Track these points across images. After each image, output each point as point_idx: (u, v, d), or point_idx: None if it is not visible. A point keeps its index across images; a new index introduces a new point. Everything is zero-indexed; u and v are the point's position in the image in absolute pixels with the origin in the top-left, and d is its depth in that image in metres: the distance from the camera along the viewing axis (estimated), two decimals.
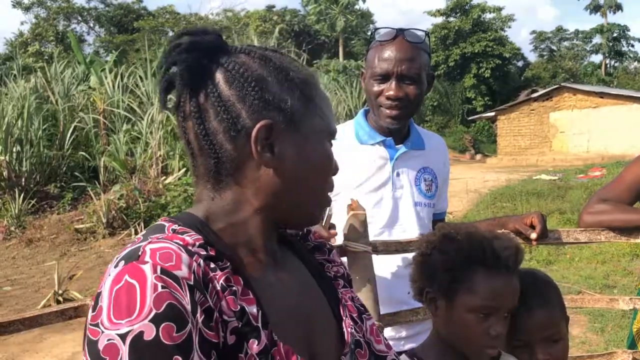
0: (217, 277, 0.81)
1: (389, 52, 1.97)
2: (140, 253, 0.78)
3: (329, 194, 0.98)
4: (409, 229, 2.09)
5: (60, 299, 6.67)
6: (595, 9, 49.04)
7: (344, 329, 1.01)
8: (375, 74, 1.99)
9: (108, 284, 0.76)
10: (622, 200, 2.23)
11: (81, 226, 9.62)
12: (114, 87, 13.45)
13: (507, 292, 1.33)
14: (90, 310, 0.77)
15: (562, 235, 2.20)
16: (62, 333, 5.70)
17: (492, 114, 29.57)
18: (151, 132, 11.55)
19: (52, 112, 12.70)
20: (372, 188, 2.07)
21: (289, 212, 0.94)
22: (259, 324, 0.83)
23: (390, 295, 1.98)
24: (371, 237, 1.92)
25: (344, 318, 1.02)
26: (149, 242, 0.80)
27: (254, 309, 0.83)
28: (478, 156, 29.65)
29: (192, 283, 0.77)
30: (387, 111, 1.99)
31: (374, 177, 2.08)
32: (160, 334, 0.72)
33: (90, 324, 0.75)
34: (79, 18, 41.84)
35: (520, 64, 47.11)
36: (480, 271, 1.32)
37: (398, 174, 2.10)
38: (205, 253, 0.82)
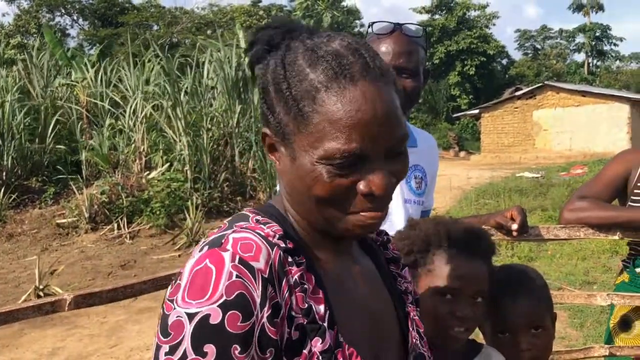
0: (293, 272, 0.83)
1: (387, 46, 1.96)
2: (223, 240, 0.81)
3: (343, 213, 0.87)
4: (398, 226, 2.09)
5: (41, 294, 6.61)
6: (578, 8, 49.54)
7: (409, 340, 1.01)
8: None
9: (190, 265, 0.80)
10: (601, 197, 2.26)
11: (63, 221, 9.53)
12: (96, 80, 13.31)
13: (469, 275, 1.36)
14: (170, 286, 0.81)
15: (542, 232, 2.23)
16: (43, 328, 5.64)
17: (477, 111, 29.77)
18: (134, 126, 11.47)
19: (34, 105, 12.55)
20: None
21: (312, 220, 0.91)
22: (325, 324, 0.84)
23: None
24: None
25: (410, 330, 1.03)
26: (233, 231, 0.83)
27: (321, 308, 0.84)
28: (462, 153, 29.87)
29: (266, 276, 0.79)
30: None
31: None
32: (226, 321, 0.75)
33: (168, 299, 0.79)
34: (62, 10, 41.31)
35: (504, 61, 47.47)
36: (439, 253, 1.36)
37: None
38: (284, 245, 0.84)
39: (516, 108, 26.71)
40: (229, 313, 0.75)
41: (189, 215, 9.12)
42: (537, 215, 9.68)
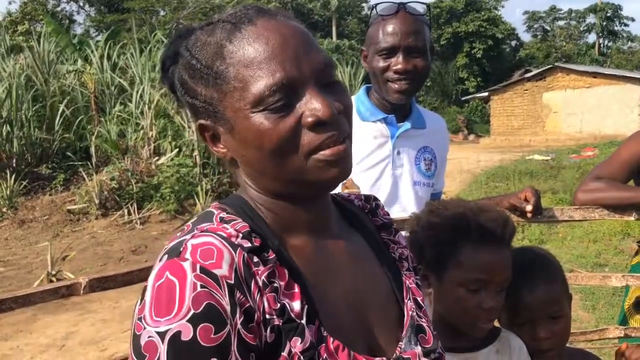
0: (260, 272, 0.78)
1: (393, 26, 1.94)
2: (181, 249, 0.76)
3: (303, 159, 0.83)
4: (408, 207, 2.08)
5: (54, 279, 6.67)
6: None
7: (405, 312, 0.96)
8: (380, 49, 1.96)
9: (152, 279, 0.76)
10: (616, 178, 2.23)
11: (74, 207, 9.58)
12: (103, 66, 13.30)
13: (496, 265, 1.32)
14: (137, 303, 0.76)
15: (557, 214, 2.20)
16: (56, 314, 5.70)
17: (486, 94, 29.54)
18: (142, 113, 11.47)
19: (42, 92, 12.57)
20: (371, 165, 2.06)
21: (279, 188, 0.86)
22: (303, 321, 0.79)
23: None
24: None
25: (406, 300, 0.98)
26: (192, 236, 0.78)
27: (297, 305, 0.80)
28: (471, 136, 29.69)
29: (232, 282, 0.75)
30: (396, 85, 1.97)
31: (374, 154, 2.07)
32: (198, 335, 0.71)
33: (137, 318, 0.75)
34: None
35: (513, 43, 46.97)
36: (466, 245, 1.32)
37: (399, 152, 2.09)
38: (249, 245, 0.79)
39: (526, 90, 26.46)
40: (200, 327, 0.71)
41: (199, 200, 9.14)
42: (548, 198, 9.62)
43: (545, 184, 11.46)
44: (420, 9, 2.04)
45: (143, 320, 0.73)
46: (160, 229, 9.00)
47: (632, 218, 2.17)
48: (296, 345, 0.77)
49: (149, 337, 0.72)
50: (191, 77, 0.85)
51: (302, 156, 0.81)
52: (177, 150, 11.02)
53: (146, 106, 11.39)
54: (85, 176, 10.00)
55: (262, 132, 0.80)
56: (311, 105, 0.80)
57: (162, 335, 0.71)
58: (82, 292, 1.36)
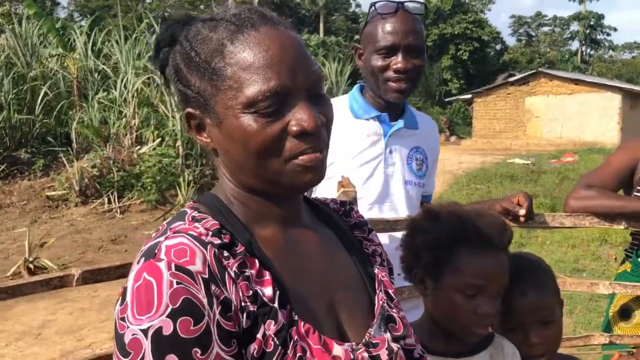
0: (231, 264, 0.83)
1: (393, 25, 1.93)
2: (156, 250, 0.81)
3: (283, 162, 0.87)
4: (399, 206, 2.08)
5: (31, 266, 6.57)
6: None
7: (376, 302, 1.00)
8: (380, 47, 1.95)
9: (131, 281, 0.80)
10: (607, 186, 2.25)
11: (53, 193, 9.44)
12: (87, 52, 13.11)
13: (493, 271, 1.32)
14: (118, 304, 0.80)
15: (548, 219, 2.22)
16: (33, 301, 5.61)
17: (469, 96, 29.78)
18: (125, 100, 11.34)
19: (23, 75, 12.33)
20: (363, 162, 2.05)
21: (256, 184, 0.91)
22: (276, 304, 0.84)
23: None
24: (361, 212, 1.90)
25: (377, 292, 1.02)
26: (166, 238, 0.83)
27: (269, 291, 0.84)
28: (453, 138, 29.90)
29: (206, 277, 0.79)
30: (395, 85, 1.96)
31: (367, 152, 2.06)
32: (178, 329, 0.75)
33: (119, 318, 0.78)
34: None
35: (498, 47, 47.42)
36: (464, 250, 1.31)
37: (391, 151, 2.08)
38: (219, 241, 0.84)
39: (509, 94, 26.74)
40: (179, 320, 0.75)
41: (181, 191, 9.08)
42: None
43: (525, 187, 11.57)
44: (418, 9, 2.03)
45: (126, 320, 0.77)
46: (140, 219, 8.90)
47: (621, 227, 2.20)
48: (270, 327, 0.82)
49: (133, 334, 0.75)
50: (187, 67, 0.89)
51: (283, 160, 0.86)
52: (159, 139, 10.92)
53: (129, 94, 11.26)
54: (65, 162, 9.85)
55: (250, 132, 0.84)
56: (299, 116, 0.85)
57: (145, 332, 0.75)
58: (74, 284, 1.33)
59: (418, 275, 1.39)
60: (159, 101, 11.31)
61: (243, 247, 0.86)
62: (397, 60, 1.95)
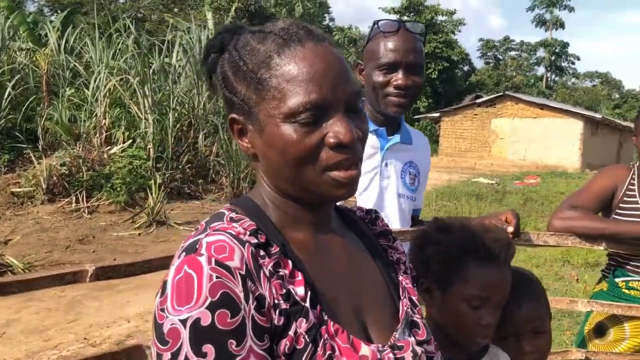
0: (266, 263, 0.87)
1: (395, 43, 2.01)
2: (197, 246, 0.85)
3: (319, 172, 0.92)
4: (392, 218, 2.15)
5: None
6: (541, 22, 50.89)
7: (401, 308, 1.05)
8: (382, 64, 2.02)
9: (172, 274, 0.83)
10: (589, 208, 2.36)
11: (19, 190, 9.22)
12: (60, 49, 12.88)
13: (498, 284, 1.40)
14: (158, 296, 0.84)
15: (533, 237, 2.31)
16: None
17: (437, 114, 30.26)
18: (96, 100, 11.17)
19: None
20: (360, 173, 2.11)
21: (291, 191, 0.96)
22: (307, 304, 0.88)
23: None
24: None
25: (402, 298, 1.07)
26: (206, 235, 0.87)
27: (301, 290, 0.88)
28: None
29: (243, 273, 0.83)
30: (395, 99, 2.04)
31: (364, 164, 2.11)
32: (216, 320, 0.79)
33: (158, 309, 0.82)
34: None
35: (466, 68, 48.37)
36: (473, 263, 1.38)
37: (386, 164, 2.15)
38: (256, 241, 0.88)
39: (476, 115, 27.29)
40: (217, 312, 0.79)
41: (151, 194, 8.98)
42: None
43: (490, 207, 11.85)
44: (419, 28, 2.11)
45: (165, 311, 0.81)
46: (109, 220, 8.77)
47: (601, 247, 2.31)
48: (301, 325, 0.86)
49: (172, 324, 0.79)
50: (234, 75, 0.94)
51: (319, 170, 0.91)
52: (130, 141, 10.79)
53: (101, 93, 11.10)
54: (34, 158, 9.64)
55: (289, 141, 0.89)
56: (336, 128, 0.90)
57: (183, 322, 0.79)
58: (88, 279, 1.34)
59: (425, 285, 1.45)
60: (132, 102, 11.19)
61: (278, 248, 0.90)
62: (398, 77, 2.03)
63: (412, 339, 1.01)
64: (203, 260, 0.82)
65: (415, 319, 1.06)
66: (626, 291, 2.37)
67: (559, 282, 7.00)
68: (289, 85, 0.89)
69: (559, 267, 7.73)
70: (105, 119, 10.92)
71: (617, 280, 2.41)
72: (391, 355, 0.95)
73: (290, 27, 0.94)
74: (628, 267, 2.37)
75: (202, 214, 9.92)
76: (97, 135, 10.69)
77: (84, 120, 11.01)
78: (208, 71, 1.00)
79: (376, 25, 2.13)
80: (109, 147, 10.46)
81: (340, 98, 0.91)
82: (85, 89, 11.57)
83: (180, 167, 11.24)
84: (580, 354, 2.37)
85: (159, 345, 0.81)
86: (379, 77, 2.05)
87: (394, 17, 41.07)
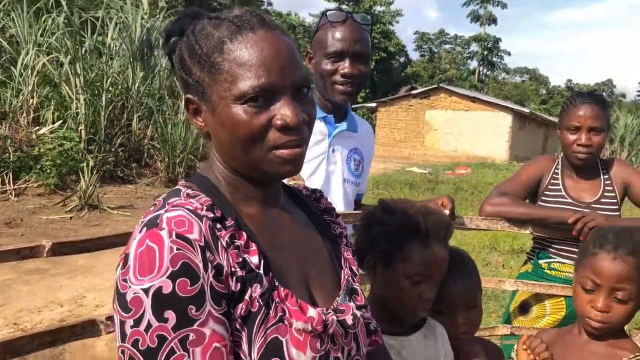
0: (223, 235, 0.94)
1: (342, 33, 2.08)
2: (158, 221, 0.90)
3: (265, 151, 0.98)
4: (336, 202, 2.23)
5: None
6: (475, 18, 52.38)
7: (342, 276, 1.15)
8: (329, 52, 2.09)
9: (134, 247, 0.89)
10: (518, 195, 2.54)
11: None
12: None
13: (438, 262, 1.52)
14: (119, 268, 0.90)
15: (466, 221, 2.47)
16: None
17: (374, 104, 30.70)
18: (24, 79, 10.68)
19: None
20: (308, 159, 2.18)
21: (241, 168, 1.03)
22: (261, 271, 0.96)
23: None
24: None
25: (344, 268, 1.17)
26: (166, 210, 0.93)
27: (255, 259, 0.96)
28: None
29: (202, 244, 0.90)
30: (342, 87, 2.11)
31: (312, 150, 2.19)
32: (177, 288, 0.85)
33: (121, 280, 0.88)
34: None
35: (402, 60, 49.22)
36: (415, 242, 1.49)
37: (333, 150, 2.23)
38: (212, 215, 0.95)
39: (411, 106, 27.89)
40: (178, 281, 0.85)
41: (83, 177, 8.71)
42: None
43: (423, 195, 12.21)
44: (366, 19, 2.20)
45: (128, 281, 0.86)
46: (38, 203, 8.45)
47: (527, 231, 2.48)
48: (256, 290, 0.94)
49: (135, 293, 0.85)
50: (190, 57, 1.00)
51: (266, 149, 0.98)
52: (60, 122, 10.39)
53: (29, 71, 10.62)
54: None
55: (238, 121, 0.96)
56: (283, 111, 0.96)
57: (146, 290, 0.85)
58: (45, 255, 1.36)
59: (370, 262, 1.55)
60: (63, 82, 10.78)
61: (233, 222, 0.97)
62: (345, 66, 2.11)
63: (352, 304, 1.11)
64: (164, 233, 0.88)
65: (355, 286, 1.17)
66: (548, 272, 2.56)
67: (486, 267, 7.34)
68: (239, 69, 0.95)
69: (487, 253, 8.10)
70: (33, 98, 10.47)
71: (540, 262, 2.60)
72: (334, 317, 1.03)
73: (244, 14, 1.00)
74: (551, 250, 2.56)
75: (136, 198, 9.72)
76: (25, 115, 10.24)
77: (10, 99, 10.51)
78: (168, 54, 1.06)
79: (324, 16, 2.20)
80: (38, 127, 10.05)
81: (288, 82, 0.97)
82: (12, 67, 11.03)
83: (113, 150, 10.93)
84: (506, 329, 2.55)
85: (122, 312, 0.86)
86: (326, 66, 2.13)
87: (333, 5, 41.28)
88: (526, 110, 27.38)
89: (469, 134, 25.76)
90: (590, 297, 1.63)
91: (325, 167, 2.22)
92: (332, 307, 1.07)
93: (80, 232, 7.47)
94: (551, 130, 27.82)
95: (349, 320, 1.06)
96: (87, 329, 1.47)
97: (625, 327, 1.75)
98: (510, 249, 8.18)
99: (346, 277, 1.15)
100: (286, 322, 0.95)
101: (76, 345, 4.42)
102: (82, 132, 10.35)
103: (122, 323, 0.86)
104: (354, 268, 1.20)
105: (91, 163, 9.49)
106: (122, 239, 1.54)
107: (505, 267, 7.32)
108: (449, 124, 26.56)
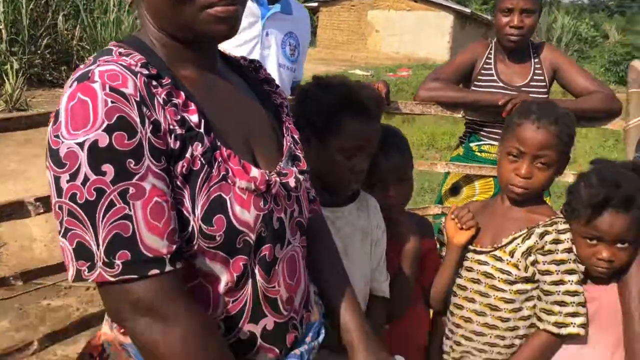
0: (159, 92, 0.91)
1: None
2: (90, 74, 0.86)
3: (197, 11, 0.95)
4: None
5: None
6: None
7: (284, 144, 1.15)
8: None
9: (64, 101, 0.85)
10: (451, 80, 2.57)
11: None
12: None
13: (370, 135, 1.55)
14: (51, 124, 0.86)
15: (401, 106, 2.50)
16: None
17: (315, 4, 29.80)
18: None
19: None
20: (241, 42, 2.12)
21: (173, 30, 0.99)
22: (202, 130, 0.94)
23: None
24: None
25: (285, 135, 1.17)
26: (97, 65, 0.88)
27: (195, 118, 0.94)
28: None
29: (138, 99, 0.87)
30: None
31: (245, 33, 2.13)
32: (114, 141, 0.83)
33: (52, 136, 0.85)
34: None
35: None
36: (348, 116, 1.51)
37: (267, 34, 2.17)
38: (147, 72, 0.92)
39: (353, 6, 27.25)
40: (114, 134, 0.83)
41: (8, 80, 8.23)
42: None
43: None
44: None
45: (60, 136, 0.83)
46: None
47: (459, 115, 2.54)
48: (197, 149, 0.92)
49: (69, 148, 0.82)
50: None
51: (197, 8, 0.93)
52: None
53: None
54: None
55: None
56: None
57: (81, 144, 0.82)
58: None
59: (304, 135, 1.56)
60: None
61: (169, 80, 0.94)
62: None
63: (295, 169, 1.12)
64: (97, 86, 0.84)
65: (297, 153, 1.18)
66: (478, 154, 2.66)
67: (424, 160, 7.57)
68: None
69: (425, 150, 8.32)
70: None
71: (471, 144, 2.68)
72: (277, 179, 1.04)
73: None
74: (482, 133, 2.64)
75: None
76: None
77: None
78: None
79: None
80: None
81: None
82: None
83: (39, 52, 10.32)
84: (438, 209, 2.67)
85: (55, 168, 0.84)
86: None
87: None
88: (467, 10, 27.25)
89: (410, 34, 25.58)
90: (514, 166, 1.71)
91: (259, 52, 2.17)
92: (275, 170, 1.07)
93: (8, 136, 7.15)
94: (492, 31, 27.92)
95: (292, 182, 1.08)
96: (16, 209, 1.44)
97: None
98: (447, 146, 8.42)
99: (288, 144, 1.15)
100: (229, 181, 0.95)
101: (13, 248, 4.37)
102: (3, 31, 9.66)
103: (57, 179, 0.84)
104: (295, 136, 1.21)
105: (15, 65, 8.94)
106: (24, 124, 1.48)
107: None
108: (392, 25, 26.22)
